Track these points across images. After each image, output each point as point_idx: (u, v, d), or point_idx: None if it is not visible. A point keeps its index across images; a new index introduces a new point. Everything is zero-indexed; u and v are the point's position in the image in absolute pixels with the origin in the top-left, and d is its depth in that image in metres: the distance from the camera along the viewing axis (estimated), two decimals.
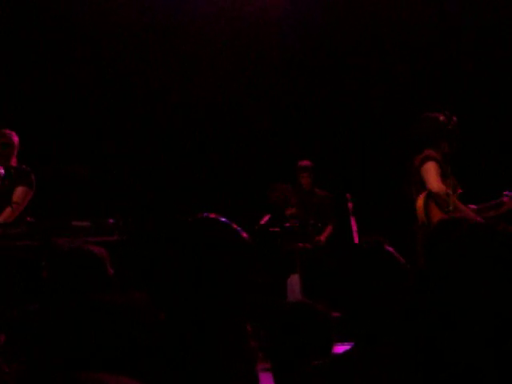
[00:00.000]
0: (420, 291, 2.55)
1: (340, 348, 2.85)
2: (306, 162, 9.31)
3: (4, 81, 9.38)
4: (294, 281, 8.92)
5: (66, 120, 9.42)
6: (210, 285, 2.27)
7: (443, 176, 6.73)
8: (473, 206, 6.92)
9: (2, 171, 6.87)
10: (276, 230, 8.98)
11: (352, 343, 2.59)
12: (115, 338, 2.15)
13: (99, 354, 2.14)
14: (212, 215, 2.43)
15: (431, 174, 6.68)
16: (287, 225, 8.95)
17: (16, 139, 7.11)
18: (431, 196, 6.67)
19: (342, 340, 3.00)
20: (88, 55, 9.65)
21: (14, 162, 7.10)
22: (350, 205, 8.97)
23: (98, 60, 9.65)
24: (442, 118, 6.95)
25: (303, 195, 9.30)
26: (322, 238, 9.28)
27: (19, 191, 7.00)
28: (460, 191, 6.91)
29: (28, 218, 6.99)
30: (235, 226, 2.40)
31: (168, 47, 9.74)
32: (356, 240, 8.67)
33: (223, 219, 2.41)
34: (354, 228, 8.79)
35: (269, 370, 3.14)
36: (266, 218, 8.89)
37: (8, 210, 6.90)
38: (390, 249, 3.11)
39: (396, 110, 9.74)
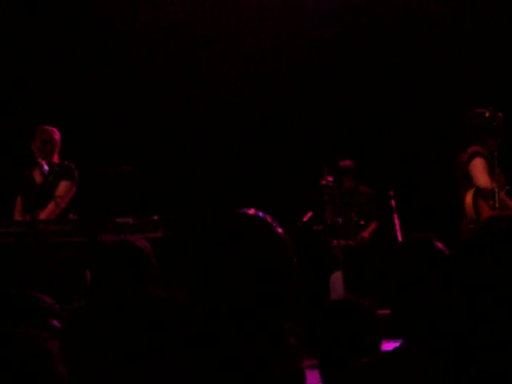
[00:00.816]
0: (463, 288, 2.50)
1: (388, 345, 2.81)
2: (347, 163, 9.24)
3: (49, 80, 9.45)
4: (337, 278, 8.87)
5: (111, 119, 9.46)
6: (249, 281, 2.23)
7: (490, 172, 6.66)
8: None
9: (47, 167, 6.91)
10: (319, 227, 8.95)
11: (400, 340, 2.55)
12: (156, 332, 2.17)
13: (141, 347, 2.18)
14: (250, 211, 2.39)
15: (479, 170, 6.63)
16: (329, 222, 8.90)
17: (57, 136, 7.16)
18: (479, 192, 6.61)
19: (390, 337, 2.95)
20: (125, 56, 9.69)
21: (56, 158, 7.15)
22: (392, 202, 8.92)
23: (137, 60, 9.68)
24: (487, 114, 6.89)
25: (347, 193, 9.23)
26: (366, 234, 9.21)
27: (62, 186, 7.04)
28: (508, 188, 6.83)
29: (71, 215, 7.01)
30: (272, 221, 2.35)
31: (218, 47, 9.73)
32: (399, 237, 8.61)
33: (261, 214, 2.37)
34: (397, 225, 8.74)
35: (316, 368, 3.11)
36: (309, 215, 8.85)
37: (51, 205, 6.96)
38: (440, 244, 3.06)
39: (438, 103, 9.66)
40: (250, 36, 9.76)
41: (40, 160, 6.92)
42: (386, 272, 2.87)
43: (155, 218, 6.38)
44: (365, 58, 9.91)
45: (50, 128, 7.15)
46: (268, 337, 2.23)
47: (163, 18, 9.66)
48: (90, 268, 3.97)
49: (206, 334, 2.17)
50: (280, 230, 2.31)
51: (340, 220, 8.84)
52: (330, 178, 8.61)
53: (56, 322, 3.58)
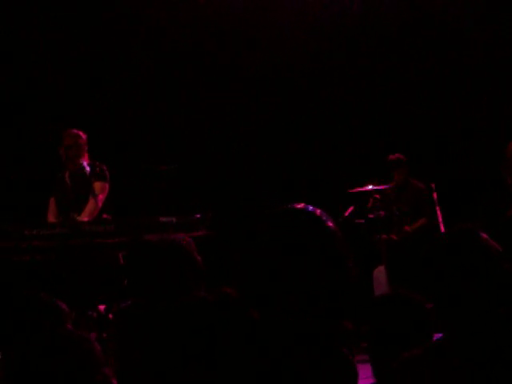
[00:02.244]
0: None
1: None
2: (396, 156, 9.12)
3: (86, 78, 9.50)
4: (380, 272, 8.82)
5: (154, 120, 9.49)
6: (301, 278, 2.18)
7: None
8: None
9: (88, 168, 6.95)
10: (361, 221, 8.89)
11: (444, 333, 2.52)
12: (204, 335, 2.13)
13: (190, 349, 2.13)
14: (299, 205, 2.35)
15: None
16: (372, 216, 8.84)
17: (82, 139, 7.18)
18: None
19: (437, 331, 2.91)
20: (166, 53, 9.72)
21: (86, 159, 7.16)
22: (434, 194, 8.84)
23: (178, 57, 9.71)
24: None
25: (397, 187, 9.12)
26: (409, 228, 9.09)
27: (97, 185, 7.08)
28: None
29: (104, 215, 7.07)
30: (322, 215, 2.30)
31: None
32: (442, 229, 8.53)
33: (310, 208, 2.32)
34: (440, 218, 8.65)
35: (368, 362, 3.08)
36: (350, 209, 8.80)
37: (90, 206, 7.00)
38: (485, 235, 3.00)
39: (480, 95, 9.58)
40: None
41: (82, 161, 6.97)
42: (430, 264, 2.82)
43: (198, 216, 6.39)
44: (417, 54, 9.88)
45: (74, 132, 7.18)
46: (323, 335, 2.18)
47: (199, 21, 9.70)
48: (135, 268, 3.94)
49: (259, 335, 2.13)
50: (331, 224, 2.25)
51: (382, 213, 8.77)
52: (376, 186, 8.61)
53: (70, 326, 3.59)
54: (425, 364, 2.43)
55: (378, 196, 8.80)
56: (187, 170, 8.69)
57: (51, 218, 7.20)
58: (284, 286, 2.14)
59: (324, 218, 2.26)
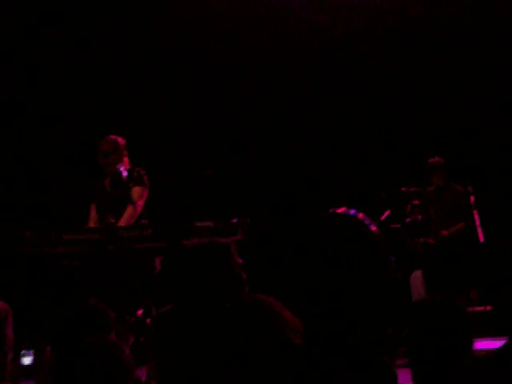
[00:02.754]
0: None
1: (484, 343, 2.76)
2: (436, 159, 9.07)
3: (122, 85, 9.55)
4: (417, 276, 8.77)
5: (193, 125, 9.52)
6: (343, 283, 2.14)
7: None
8: None
9: (126, 173, 6.99)
10: (397, 225, 8.85)
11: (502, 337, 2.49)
12: (241, 340, 2.13)
13: (227, 354, 2.13)
14: (341, 209, 2.31)
15: None
16: (408, 220, 8.80)
17: (120, 144, 7.17)
18: None
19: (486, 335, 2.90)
20: (202, 61, 9.75)
21: (126, 164, 7.19)
22: (472, 198, 8.77)
23: (214, 64, 9.74)
24: None
25: (436, 190, 9.06)
26: (446, 232, 9.02)
27: (136, 191, 7.08)
28: None
29: (143, 221, 7.07)
30: (364, 219, 2.26)
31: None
32: (480, 234, 8.46)
33: (352, 212, 2.29)
34: (478, 222, 8.59)
35: (407, 366, 3.07)
36: (387, 213, 8.77)
37: (129, 210, 7.00)
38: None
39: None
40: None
41: (119, 166, 7.00)
42: (488, 268, 2.80)
43: (235, 221, 6.39)
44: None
45: (112, 137, 7.18)
46: (367, 344, 2.16)
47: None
48: (173, 272, 4.06)
49: (303, 340, 2.12)
50: (374, 228, 2.21)
51: (420, 217, 8.73)
52: (413, 189, 8.55)
53: (114, 336, 3.62)
54: (486, 371, 2.39)
55: (416, 202, 8.76)
56: (224, 174, 8.70)
57: (92, 225, 7.21)
58: (327, 293, 2.12)
59: (367, 221, 2.23)
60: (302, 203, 8.94)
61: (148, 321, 5.87)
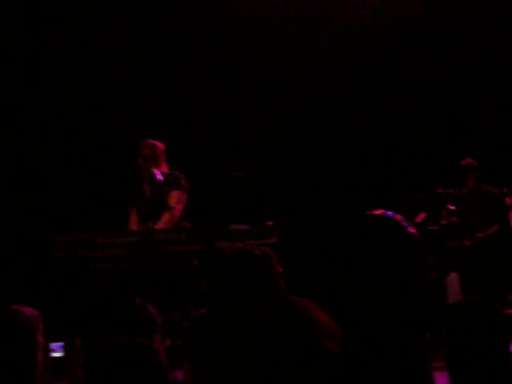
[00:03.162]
0: None
1: None
2: (468, 161, 9.01)
3: (159, 89, 9.59)
4: (454, 279, 8.71)
5: (227, 127, 9.52)
6: (381, 285, 2.12)
7: None
8: None
9: (161, 177, 7.01)
10: (433, 227, 8.80)
11: None
12: (279, 343, 2.11)
13: (265, 357, 2.12)
14: (378, 211, 2.28)
15: None
16: (444, 222, 8.75)
17: (159, 149, 7.18)
18: None
19: None
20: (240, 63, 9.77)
21: (164, 168, 7.21)
22: (507, 200, 8.70)
23: (252, 67, 9.75)
24: None
25: (470, 193, 9.01)
26: (481, 234, 8.96)
27: (174, 196, 7.09)
28: None
29: (182, 223, 7.05)
30: (402, 220, 2.22)
31: None
32: None
33: (390, 214, 2.25)
34: None
35: (445, 369, 3.05)
36: (422, 216, 8.72)
37: (166, 216, 7.01)
38: None
39: None
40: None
41: (153, 169, 7.02)
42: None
43: (270, 223, 6.37)
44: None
45: (151, 142, 7.19)
46: (404, 345, 2.13)
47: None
48: (211, 276, 3.98)
49: (344, 343, 2.10)
50: (412, 230, 2.18)
51: (455, 220, 8.67)
52: (449, 191, 8.51)
53: (158, 337, 3.62)
54: None
55: (452, 207, 8.72)
56: (259, 177, 8.67)
57: (133, 229, 7.22)
58: (366, 295, 2.09)
59: (404, 223, 2.20)
60: (337, 205, 8.90)
61: (184, 324, 5.87)
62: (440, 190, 8.72)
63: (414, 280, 2.13)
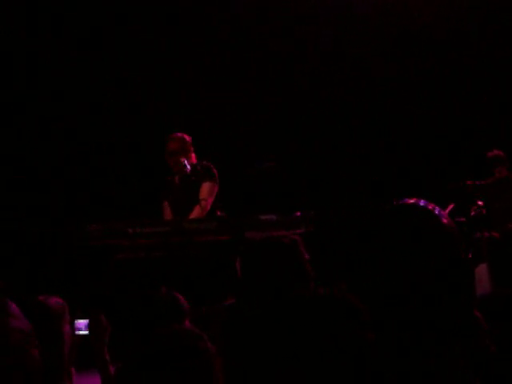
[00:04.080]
0: None
1: None
2: (495, 153, 8.95)
3: (186, 80, 9.59)
4: (483, 270, 8.63)
5: (255, 119, 9.51)
6: (414, 276, 2.05)
7: None
8: None
9: (189, 167, 7.00)
10: (461, 219, 8.73)
11: None
12: (310, 333, 2.08)
13: (297, 348, 2.09)
14: (411, 200, 2.21)
15: None
16: (472, 213, 8.68)
17: (185, 142, 7.18)
18: None
19: None
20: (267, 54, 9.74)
21: (193, 159, 7.18)
22: None
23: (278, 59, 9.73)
24: None
25: (499, 184, 8.95)
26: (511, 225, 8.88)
27: (205, 187, 7.09)
28: None
29: (218, 212, 7.11)
30: (436, 210, 2.15)
31: None
32: None
33: (422, 203, 2.18)
34: None
35: None
36: (450, 207, 8.66)
37: (197, 208, 7.02)
38: None
39: None
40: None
41: (183, 161, 7.02)
42: None
43: (299, 214, 6.35)
44: None
45: (178, 135, 7.20)
46: (445, 335, 2.07)
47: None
48: (239, 265, 3.94)
49: (377, 332, 2.06)
50: (445, 220, 2.11)
51: (484, 211, 8.60)
52: (478, 183, 8.44)
53: (188, 323, 3.62)
54: None
55: (481, 202, 8.65)
56: (289, 167, 8.66)
57: None
58: (400, 287, 2.04)
59: (437, 212, 2.13)
60: (365, 195, 8.88)
61: (213, 315, 5.87)
62: (469, 182, 8.65)
63: (448, 272, 2.08)
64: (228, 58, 9.67)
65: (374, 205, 8.18)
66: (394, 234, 2.10)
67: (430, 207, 2.15)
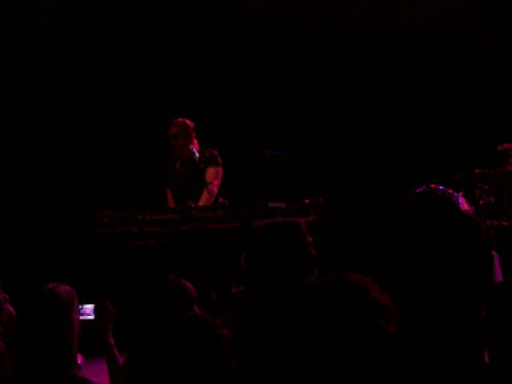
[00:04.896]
0: None
1: None
2: (506, 146, 8.88)
3: (192, 63, 9.57)
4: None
5: (264, 105, 9.47)
6: (432, 265, 1.98)
7: None
8: None
9: (198, 154, 6.97)
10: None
11: None
12: (318, 322, 2.03)
13: (304, 337, 2.04)
14: (434, 186, 2.11)
15: None
16: (481, 202, 8.62)
17: (188, 126, 7.12)
18: None
19: None
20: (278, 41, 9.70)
21: (196, 145, 7.15)
22: None
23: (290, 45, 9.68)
24: None
25: (508, 175, 8.86)
26: None
27: (210, 171, 7.05)
28: None
29: (221, 200, 7.08)
30: (454, 197, 2.06)
31: None
32: None
33: (441, 190, 2.09)
34: None
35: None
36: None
37: (205, 194, 6.97)
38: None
39: None
40: None
41: (191, 148, 7.00)
42: None
43: (307, 201, 6.35)
44: None
45: (180, 120, 7.15)
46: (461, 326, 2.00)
47: None
48: (246, 252, 3.95)
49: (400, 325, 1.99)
50: (464, 208, 2.02)
51: (493, 200, 8.55)
52: (487, 171, 8.39)
53: (197, 309, 3.59)
54: None
55: (486, 186, 8.59)
56: (297, 154, 8.62)
57: None
58: (421, 279, 1.96)
59: (455, 199, 2.04)
60: (374, 182, 8.84)
61: (222, 302, 5.85)
62: (477, 170, 8.58)
63: (470, 260, 2.00)
64: (238, 45, 9.63)
65: (385, 192, 8.13)
66: (418, 221, 2.01)
67: (449, 194, 2.05)
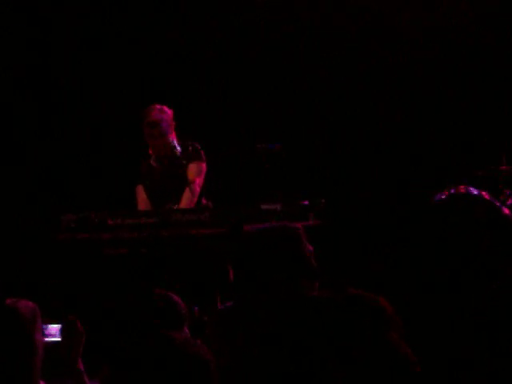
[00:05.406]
0: None
1: None
2: None
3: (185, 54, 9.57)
4: None
5: (260, 98, 9.46)
6: (465, 271, 2.11)
7: None
8: None
9: (179, 148, 6.84)
10: None
11: None
12: (314, 337, 2.01)
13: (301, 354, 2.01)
14: (463, 189, 2.11)
15: None
16: (510, 202, 8.68)
17: (168, 114, 6.97)
18: None
19: None
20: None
21: (174, 137, 6.97)
22: None
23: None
24: None
25: None
26: None
27: (192, 168, 6.94)
28: None
29: (204, 201, 7.01)
30: (484, 198, 2.07)
31: None
32: None
33: (476, 192, 2.09)
34: None
35: None
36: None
37: (187, 194, 6.86)
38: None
39: None
40: None
41: (173, 140, 6.85)
42: None
43: (306, 203, 6.23)
44: None
45: (158, 106, 6.96)
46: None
47: None
48: (235, 262, 3.86)
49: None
50: (504, 210, 2.02)
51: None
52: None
53: (187, 329, 3.54)
54: None
55: (507, 191, 8.64)
56: (295, 148, 8.63)
57: (143, 208, 7.12)
58: (453, 281, 1.96)
59: (494, 202, 2.06)
60: (387, 180, 8.80)
61: (206, 319, 5.79)
62: (504, 167, 8.57)
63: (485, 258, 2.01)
64: (238, 40, 9.71)
65: (393, 195, 8.11)
66: (445, 224, 2.05)
67: (485, 196, 2.11)
